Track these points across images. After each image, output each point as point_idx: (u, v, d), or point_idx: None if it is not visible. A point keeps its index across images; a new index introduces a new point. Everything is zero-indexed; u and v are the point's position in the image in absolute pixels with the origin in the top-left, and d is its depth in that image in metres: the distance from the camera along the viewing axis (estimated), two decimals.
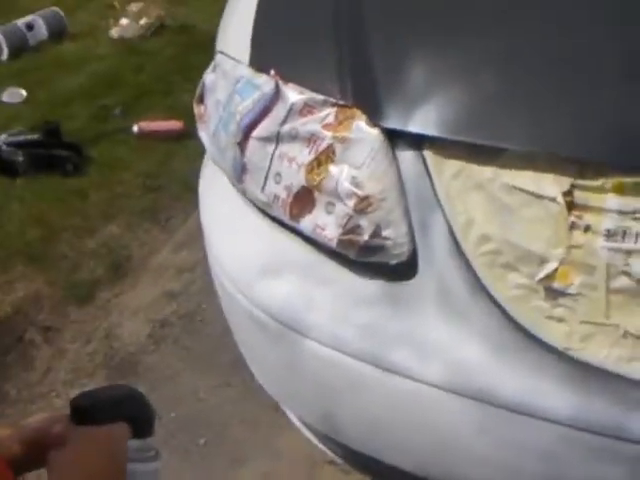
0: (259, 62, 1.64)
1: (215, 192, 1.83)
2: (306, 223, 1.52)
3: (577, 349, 1.28)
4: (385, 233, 1.43)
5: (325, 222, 1.48)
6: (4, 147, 3.73)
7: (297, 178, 1.52)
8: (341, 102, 1.48)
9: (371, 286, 1.48)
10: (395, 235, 1.42)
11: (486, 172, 1.34)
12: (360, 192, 1.43)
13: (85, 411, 0.98)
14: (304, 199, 1.52)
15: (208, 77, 1.79)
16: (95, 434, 0.95)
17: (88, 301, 3.07)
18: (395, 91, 1.41)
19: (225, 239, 1.72)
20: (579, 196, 1.27)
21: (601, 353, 1.27)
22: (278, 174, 1.56)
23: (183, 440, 2.42)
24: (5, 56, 4.99)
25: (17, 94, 4.52)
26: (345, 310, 1.48)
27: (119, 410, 0.99)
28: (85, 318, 3.00)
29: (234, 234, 1.70)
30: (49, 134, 3.86)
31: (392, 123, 1.40)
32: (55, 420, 0.97)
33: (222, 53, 1.78)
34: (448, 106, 1.36)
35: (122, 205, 3.61)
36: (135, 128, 4.10)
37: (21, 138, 3.81)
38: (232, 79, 1.68)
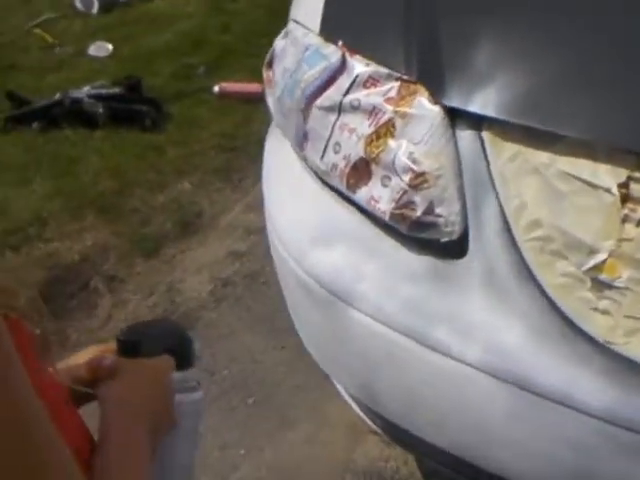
0: (328, 32, 1.64)
1: (278, 157, 1.85)
2: (362, 194, 1.53)
3: (620, 343, 1.26)
4: (438, 210, 1.43)
5: (380, 195, 1.49)
6: (86, 99, 3.82)
7: (356, 149, 1.53)
8: (405, 77, 1.48)
9: (420, 262, 1.48)
10: (448, 213, 1.42)
11: (543, 157, 1.32)
12: (416, 168, 1.43)
13: (132, 345, 1.00)
14: (361, 170, 1.53)
15: (278, 43, 1.81)
16: (143, 366, 0.97)
17: (154, 255, 3.14)
18: (459, 70, 1.40)
19: (283, 204, 1.74)
20: (635, 189, 1.25)
21: None
22: (338, 144, 1.57)
23: (233, 398, 2.47)
24: (95, 10, 5.09)
25: (103, 48, 4.61)
26: (392, 284, 1.49)
27: (163, 343, 1.02)
28: (149, 271, 3.07)
29: (292, 200, 1.72)
30: (130, 89, 3.94)
31: (454, 102, 1.40)
32: (103, 354, 0.99)
33: (295, 21, 1.79)
34: (510, 88, 1.35)
35: (197, 163, 3.67)
36: (216, 88, 4.14)
37: (103, 91, 3.90)
38: (301, 47, 1.69)
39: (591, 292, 1.28)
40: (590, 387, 1.27)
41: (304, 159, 1.69)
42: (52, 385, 0.81)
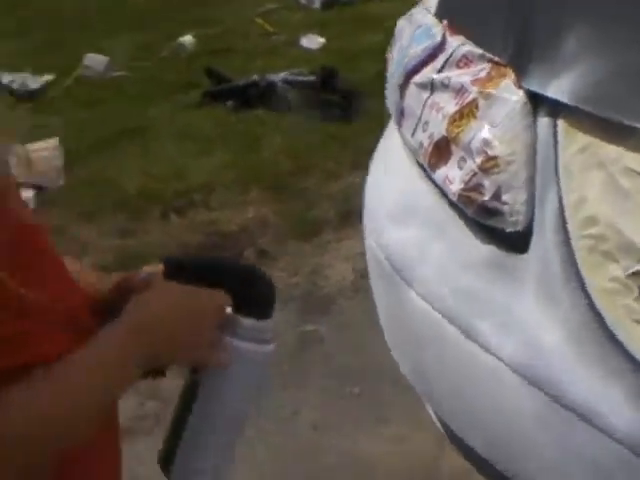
0: (441, 13, 1.61)
1: (388, 136, 1.84)
2: (440, 174, 1.49)
3: None
4: (505, 197, 1.36)
5: (454, 175, 1.44)
6: (280, 83, 3.96)
7: (439, 128, 1.49)
8: (497, 59, 1.42)
9: (482, 251, 1.42)
10: (514, 201, 1.35)
11: (612, 151, 1.22)
12: (490, 151, 1.37)
13: (175, 267, 0.96)
14: (442, 150, 1.49)
15: (399, 23, 1.79)
16: (175, 288, 0.92)
17: (309, 238, 3.19)
18: (544, 56, 1.33)
19: (376, 180, 1.73)
20: None
21: None
22: (426, 122, 1.54)
23: (341, 385, 2.46)
24: (317, 5, 5.25)
25: (315, 41, 4.74)
26: (450, 270, 1.44)
27: (223, 279, 0.96)
28: (300, 252, 3.13)
29: (384, 176, 1.71)
30: (325, 79, 4.02)
31: (533, 85, 1.33)
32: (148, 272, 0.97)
33: (421, 2, 1.78)
34: (589, 77, 1.26)
35: None
36: None
37: (298, 78, 4.01)
38: (415, 26, 1.67)
39: (637, 302, 1.17)
40: (617, 407, 1.16)
41: (401, 135, 1.66)
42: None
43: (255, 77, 4.05)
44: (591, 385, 1.19)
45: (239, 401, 0.97)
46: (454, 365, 1.41)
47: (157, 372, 0.96)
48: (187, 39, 4.77)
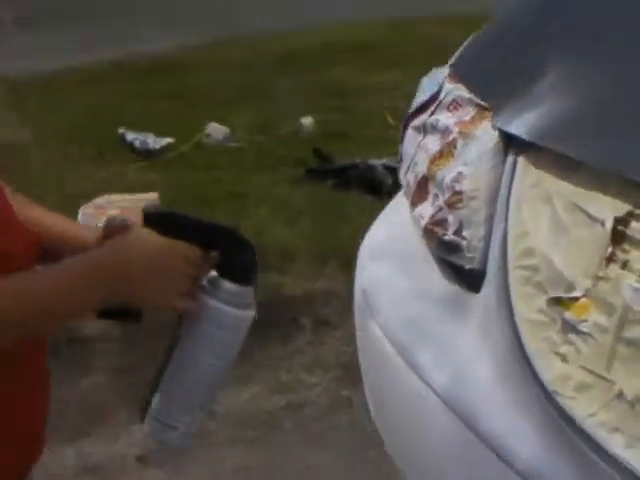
0: (451, 65, 1.65)
1: None
2: (417, 211, 1.50)
3: (566, 397, 1.09)
4: (465, 232, 1.35)
5: (426, 211, 1.45)
6: (380, 168, 4.04)
7: (422, 167, 1.50)
8: (482, 103, 1.44)
9: (441, 286, 1.41)
10: (472, 237, 1.34)
11: (560, 186, 1.20)
12: (457, 186, 1.38)
13: (151, 217, 1.00)
14: (422, 188, 1.50)
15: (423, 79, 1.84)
16: (155, 235, 0.96)
17: None
18: (513, 95, 1.34)
19: (378, 220, 1.77)
20: (635, 227, 1.09)
21: (587, 411, 1.06)
22: (415, 163, 1.56)
23: (364, 449, 2.42)
24: None
25: None
26: (408, 301, 1.43)
27: (207, 240, 0.99)
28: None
29: (379, 220, 1.74)
30: None
31: (500, 123, 1.34)
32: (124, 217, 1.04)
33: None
34: (549, 115, 1.25)
35: None
36: None
37: (397, 164, 4.07)
38: (432, 75, 1.70)
39: (559, 334, 1.13)
40: (523, 438, 1.11)
41: (400, 180, 1.69)
42: None
43: (357, 160, 4.15)
44: (505, 416, 1.15)
45: (212, 362, 1.00)
46: (397, 394, 1.39)
47: (128, 315, 1.03)
48: (307, 120, 4.95)
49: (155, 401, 1.02)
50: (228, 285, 0.98)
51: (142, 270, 0.95)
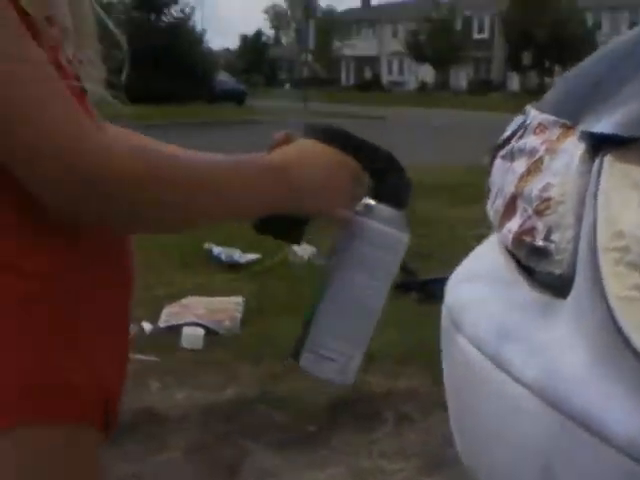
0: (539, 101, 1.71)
1: None
2: (505, 228, 1.51)
3: None
4: (553, 236, 1.36)
5: (514, 224, 1.47)
6: None
7: (510, 188, 1.53)
8: (567, 123, 1.48)
9: (529, 295, 1.40)
10: (560, 239, 1.35)
11: None
12: (545, 194, 1.40)
13: (316, 131, 0.98)
14: (510, 207, 1.52)
15: None
16: (321, 144, 0.95)
17: None
18: (596, 107, 1.39)
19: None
20: None
21: None
22: (502, 188, 1.59)
23: None
24: None
25: None
26: (495, 311, 1.43)
27: (364, 159, 0.98)
28: (443, 419, 3.06)
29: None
30: None
31: (586, 125, 1.37)
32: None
33: None
34: (630, 112, 1.29)
35: None
36: None
37: None
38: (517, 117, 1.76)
39: None
40: (622, 413, 1.08)
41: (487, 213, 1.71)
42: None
43: (439, 276, 4.17)
44: (601, 393, 1.12)
45: (370, 284, 0.97)
46: (485, 397, 1.36)
47: (288, 233, 0.99)
48: None
49: (310, 331, 0.98)
50: (385, 208, 0.98)
51: (313, 174, 0.93)
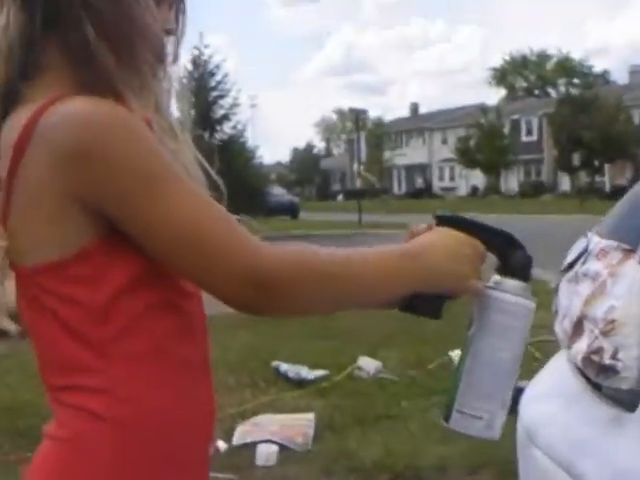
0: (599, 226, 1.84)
1: None
2: (574, 349, 1.62)
3: None
4: (620, 355, 1.47)
5: (582, 345, 1.57)
6: None
7: (577, 310, 1.65)
8: (628, 247, 1.60)
9: (601, 409, 1.50)
10: (627, 358, 1.45)
11: None
12: (609, 317, 1.51)
13: (447, 221, 1.15)
14: (577, 328, 1.63)
15: None
16: (453, 230, 1.11)
17: None
18: None
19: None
20: None
21: None
22: (569, 311, 1.70)
23: None
24: None
25: None
26: (569, 426, 1.52)
27: (490, 239, 1.14)
28: None
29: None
30: None
31: None
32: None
33: None
34: None
35: None
36: None
37: None
38: (579, 242, 1.88)
39: None
40: None
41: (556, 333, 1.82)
42: None
43: None
44: None
45: (506, 348, 1.12)
46: None
47: (429, 309, 1.13)
48: (456, 354, 5.09)
49: (457, 394, 1.12)
50: (513, 281, 1.13)
51: (444, 252, 1.08)
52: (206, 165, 1.18)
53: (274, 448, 3.63)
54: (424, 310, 1.14)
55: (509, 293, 1.12)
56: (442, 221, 1.16)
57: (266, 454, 3.60)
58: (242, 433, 3.89)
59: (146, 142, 0.96)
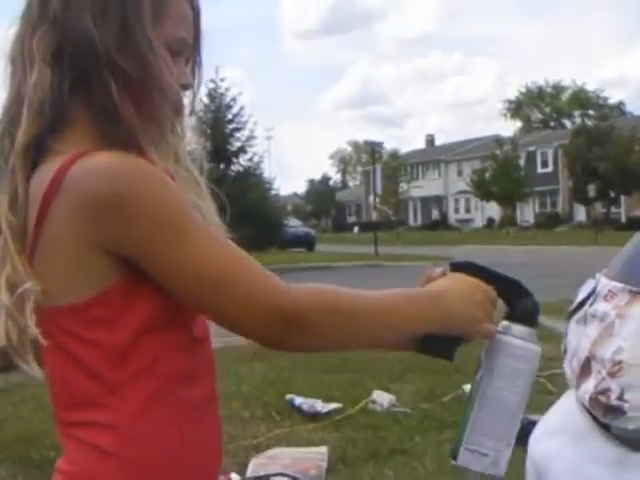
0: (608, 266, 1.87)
1: None
2: (582, 389, 1.65)
3: None
4: (627, 396, 1.50)
5: (589, 385, 1.60)
6: None
7: (585, 351, 1.67)
8: (635, 289, 1.63)
9: (609, 450, 1.52)
10: (634, 399, 1.48)
11: None
12: (617, 357, 1.54)
13: (459, 265, 1.23)
14: (585, 369, 1.66)
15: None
16: (467, 276, 1.18)
17: None
18: None
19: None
20: None
21: None
22: (577, 350, 1.73)
23: None
24: None
25: None
26: (578, 466, 1.55)
27: (498, 286, 1.20)
28: None
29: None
30: None
31: None
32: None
33: None
34: None
35: None
36: None
37: None
38: (588, 282, 1.91)
39: None
40: None
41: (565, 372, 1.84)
42: None
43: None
44: None
45: (513, 390, 1.18)
46: None
47: (443, 351, 1.20)
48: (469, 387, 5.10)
49: (465, 433, 1.18)
50: (521, 327, 1.20)
51: (458, 297, 1.15)
52: (224, 199, 1.26)
53: None
54: (438, 351, 1.20)
55: (516, 338, 1.18)
56: (456, 267, 1.22)
57: None
58: (256, 466, 3.91)
59: (170, 192, 1.02)
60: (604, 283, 1.76)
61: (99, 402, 1.03)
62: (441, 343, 1.18)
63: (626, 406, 1.49)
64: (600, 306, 1.71)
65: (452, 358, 1.21)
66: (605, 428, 1.57)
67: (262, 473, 3.82)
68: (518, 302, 1.21)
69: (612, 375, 1.54)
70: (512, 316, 1.20)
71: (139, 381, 1.03)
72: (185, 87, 1.15)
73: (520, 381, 1.18)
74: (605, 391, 1.54)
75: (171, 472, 1.06)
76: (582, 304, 1.82)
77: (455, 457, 1.18)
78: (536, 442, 1.78)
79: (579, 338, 1.76)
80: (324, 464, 3.90)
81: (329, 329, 1.05)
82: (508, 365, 1.17)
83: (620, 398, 1.51)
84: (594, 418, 1.61)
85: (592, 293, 1.79)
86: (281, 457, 3.96)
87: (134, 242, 1.00)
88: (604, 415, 1.54)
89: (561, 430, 1.72)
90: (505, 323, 1.20)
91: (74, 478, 1.04)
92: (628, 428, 1.49)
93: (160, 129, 1.07)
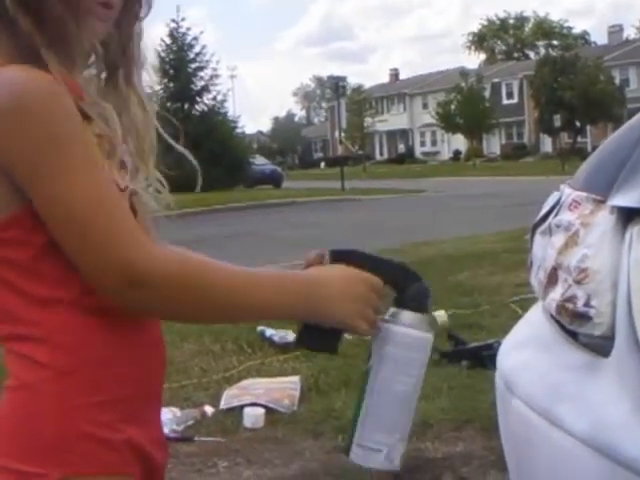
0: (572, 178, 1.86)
1: None
2: (549, 298, 1.65)
3: None
4: (593, 302, 1.50)
5: (556, 294, 1.61)
6: None
7: (551, 261, 1.68)
8: (599, 198, 1.63)
9: (577, 356, 1.54)
10: (599, 304, 1.49)
11: None
12: (582, 265, 1.54)
13: (338, 254, 1.15)
14: (552, 278, 1.66)
15: None
16: (346, 267, 1.12)
17: None
18: (624, 184, 1.53)
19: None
20: None
21: None
22: (543, 262, 1.73)
23: None
24: None
25: None
26: (547, 373, 1.56)
27: (383, 273, 1.13)
28: None
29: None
30: None
31: (615, 201, 1.52)
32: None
33: None
34: None
35: None
36: None
37: None
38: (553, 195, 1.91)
39: None
40: None
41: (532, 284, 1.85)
42: None
43: (491, 340, 4.28)
44: None
45: (404, 381, 1.12)
46: (540, 452, 1.49)
47: (324, 345, 1.15)
48: (440, 314, 5.13)
49: (357, 428, 1.13)
50: (409, 313, 1.13)
51: (335, 290, 1.10)
52: (169, 140, 1.23)
53: (261, 411, 3.68)
54: (319, 345, 1.15)
55: (405, 326, 1.12)
56: (337, 257, 1.16)
57: (253, 417, 3.64)
58: (229, 397, 3.93)
59: (64, 111, 1.00)
60: (568, 193, 1.76)
61: (28, 317, 1.04)
62: (321, 336, 1.13)
63: (592, 312, 1.49)
64: (565, 216, 1.71)
65: (334, 351, 1.15)
66: (572, 336, 1.58)
67: (235, 404, 3.84)
68: (406, 287, 1.14)
69: (578, 282, 1.54)
70: (401, 302, 1.14)
71: (59, 291, 1.04)
72: None
73: (411, 371, 1.13)
74: (572, 298, 1.55)
75: (110, 380, 1.06)
76: (546, 216, 1.82)
77: (347, 453, 1.14)
78: (505, 356, 1.80)
79: (545, 249, 1.76)
80: (297, 393, 3.93)
81: (177, 298, 1.03)
82: (397, 354, 1.12)
83: (586, 304, 1.51)
84: (561, 326, 1.62)
85: (556, 204, 1.79)
86: (254, 388, 3.98)
87: (20, 155, 0.98)
88: (571, 322, 1.55)
89: (529, 342, 1.74)
90: (394, 310, 1.14)
91: (16, 392, 1.05)
92: (594, 334, 1.49)
93: (59, 29, 1.02)
